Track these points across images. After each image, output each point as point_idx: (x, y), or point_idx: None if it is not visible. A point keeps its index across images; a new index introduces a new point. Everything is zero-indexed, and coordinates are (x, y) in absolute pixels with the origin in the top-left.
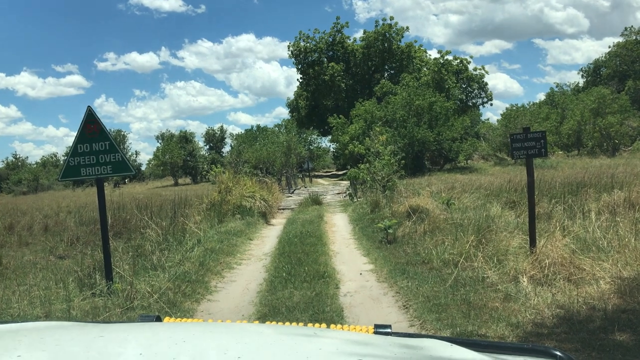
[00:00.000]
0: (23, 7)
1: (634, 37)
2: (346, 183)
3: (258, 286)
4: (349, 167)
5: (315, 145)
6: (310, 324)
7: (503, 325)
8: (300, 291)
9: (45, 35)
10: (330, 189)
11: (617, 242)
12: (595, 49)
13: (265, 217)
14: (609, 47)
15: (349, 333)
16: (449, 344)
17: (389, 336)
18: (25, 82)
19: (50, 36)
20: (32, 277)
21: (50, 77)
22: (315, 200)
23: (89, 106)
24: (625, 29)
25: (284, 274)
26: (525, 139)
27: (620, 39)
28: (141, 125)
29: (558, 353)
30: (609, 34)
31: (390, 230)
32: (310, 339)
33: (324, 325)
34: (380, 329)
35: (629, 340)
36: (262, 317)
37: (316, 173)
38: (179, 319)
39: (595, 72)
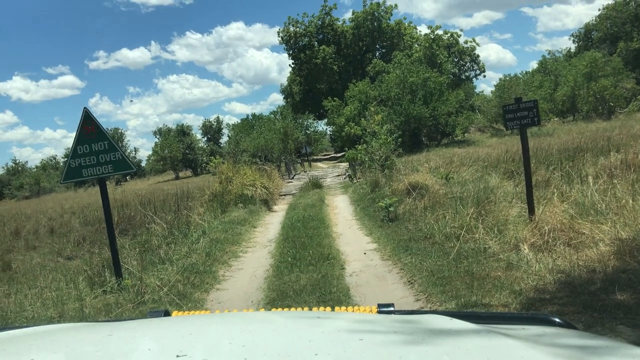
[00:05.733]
0: (8, 11)
1: None
2: (345, 165)
3: (265, 272)
4: (346, 149)
5: (312, 129)
6: (315, 308)
7: (506, 293)
8: (306, 274)
9: (33, 38)
10: (330, 172)
11: (615, 204)
12: (585, 12)
13: (267, 204)
14: (599, 9)
15: (353, 314)
16: (448, 317)
17: (392, 314)
18: (18, 86)
19: (38, 38)
20: (43, 279)
21: (42, 79)
22: (316, 184)
23: (85, 108)
24: None
25: (290, 259)
26: (517, 109)
27: (610, 1)
28: (138, 122)
29: (557, 319)
30: None
31: (391, 209)
32: (314, 323)
33: (328, 308)
34: (383, 308)
35: (629, 299)
36: (271, 302)
37: (315, 157)
38: (187, 312)
39: (586, 37)
